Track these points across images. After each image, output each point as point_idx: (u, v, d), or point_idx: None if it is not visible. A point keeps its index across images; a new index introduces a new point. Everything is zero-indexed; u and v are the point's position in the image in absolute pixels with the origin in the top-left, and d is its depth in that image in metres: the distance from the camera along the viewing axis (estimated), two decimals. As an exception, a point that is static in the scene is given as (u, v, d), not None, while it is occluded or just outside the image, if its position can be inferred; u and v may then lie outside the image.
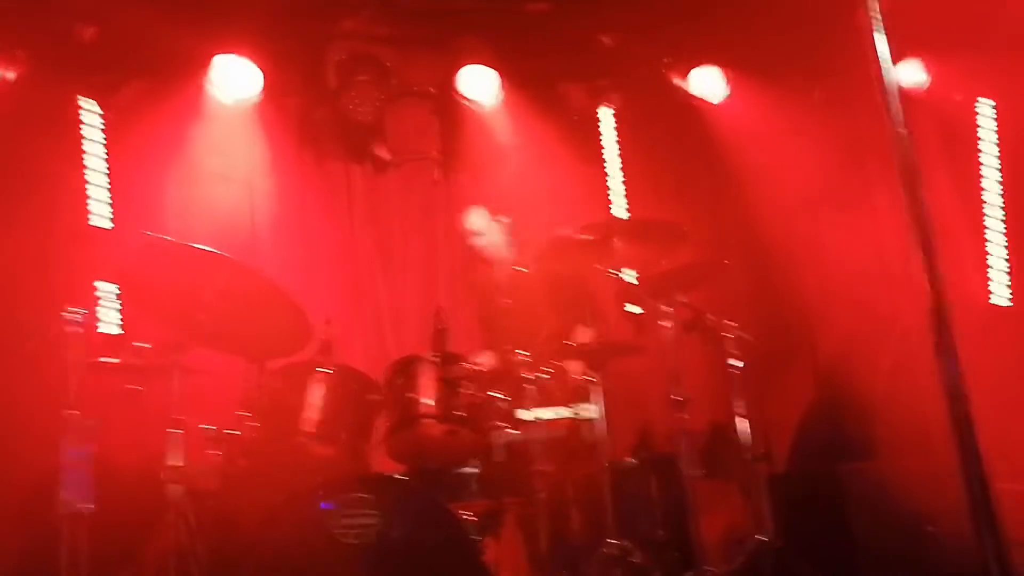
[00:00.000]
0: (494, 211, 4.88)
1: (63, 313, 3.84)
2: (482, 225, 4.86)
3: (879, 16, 2.17)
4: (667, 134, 5.86)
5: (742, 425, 4.27)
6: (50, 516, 3.79)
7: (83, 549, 3.75)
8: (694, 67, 5.76)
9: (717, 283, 4.54)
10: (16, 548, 4.40)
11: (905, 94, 2.15)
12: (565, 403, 4.05)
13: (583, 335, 4.54)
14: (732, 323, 4.34)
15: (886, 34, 2.16)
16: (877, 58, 2.16)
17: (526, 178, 5.59)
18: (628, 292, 4.44)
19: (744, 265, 5.54)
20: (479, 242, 4.86)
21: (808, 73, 5.53)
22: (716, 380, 4.43)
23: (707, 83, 5.79)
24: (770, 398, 5.01)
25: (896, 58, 2.15)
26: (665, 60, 5.77)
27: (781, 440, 5.08)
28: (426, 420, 3.76)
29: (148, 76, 5.24)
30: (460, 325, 4.48)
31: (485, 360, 4.40)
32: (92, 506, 3.77)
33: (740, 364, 4.31)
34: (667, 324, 4.15)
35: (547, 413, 3.98)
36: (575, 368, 4.16)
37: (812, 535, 4.33)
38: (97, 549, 3.81)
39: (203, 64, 5.22)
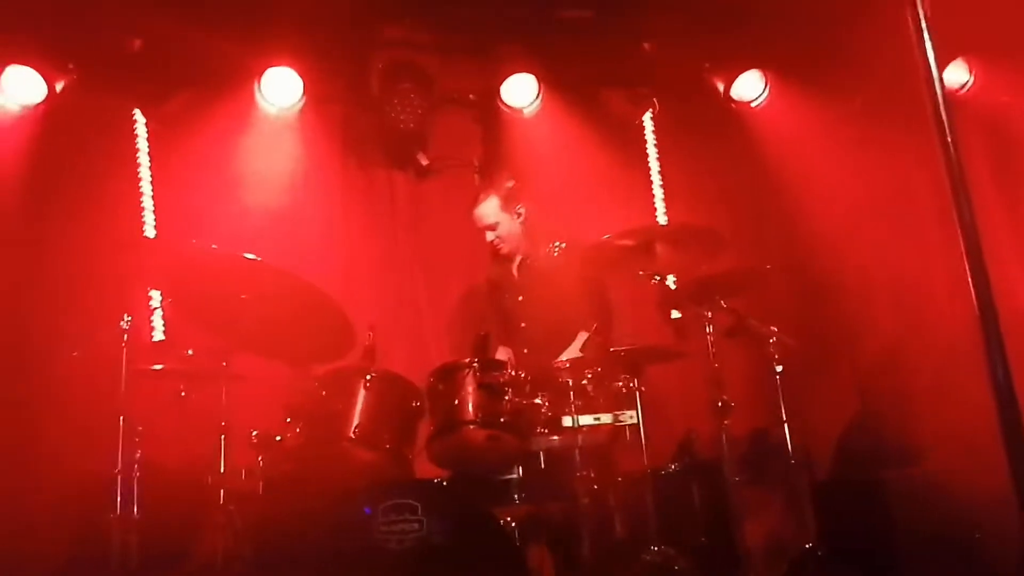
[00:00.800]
0: (509, 201, 4.67)
1: (116, 321, 3.93)
2: (494, 216, 4.67)
3: (925, 17, 2.14)
4: (708, 139, 5.82)
5: (785, 431, 4.25)
6: (100, 520, 3.89)
7: (132, 552, 3.83)
8: (735, 72, 5.73)
9: (759, 288, 4.50)
10: (67, 551, 4.50)
11: (951, 96, 2.11)
12: (606, 409, 4.05)
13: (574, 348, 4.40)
14: (774, 328, 4.32)
15: (931, 35, 2.12)
16: (924, 60, 2.12)
17: (566, 185, 5.60)
18: (669, 298, 4.45)
19: (786, 270, 5.50)
20: (492, 235, 4.68)
21: (850, 75, 5.47)
22: (758, 386, 4.40)
23: (748, 87, 5.76)
24: (812, 404, 4.95)
25: (942, 60, 2.11)
26: (706, 65, 5.74)
27: (824, 446, 5.02)
28: (468, 426, 3.78)
29: (195, 87, 5.33)
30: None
31: (503, 356, 4.41)
32: (140, 510, 3.86)
33: (782, 369, 4.29)
34: (709, 329, 4.14)
35: (588, 419, 3.99)
36: (616, 373, 4.15)
37: (856, 542, 4.28)
38: (145, 552, 3.89)
39: (249, 74, 5.30)
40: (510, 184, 4.69)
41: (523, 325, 4.57)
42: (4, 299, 4.89)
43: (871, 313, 5.28)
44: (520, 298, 4.68)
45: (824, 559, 4.04)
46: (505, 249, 4.69)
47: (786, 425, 4.27)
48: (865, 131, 5.43)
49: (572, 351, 4.30)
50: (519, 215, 4.66)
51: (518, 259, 4.74)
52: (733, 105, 5.80)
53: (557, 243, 4.59)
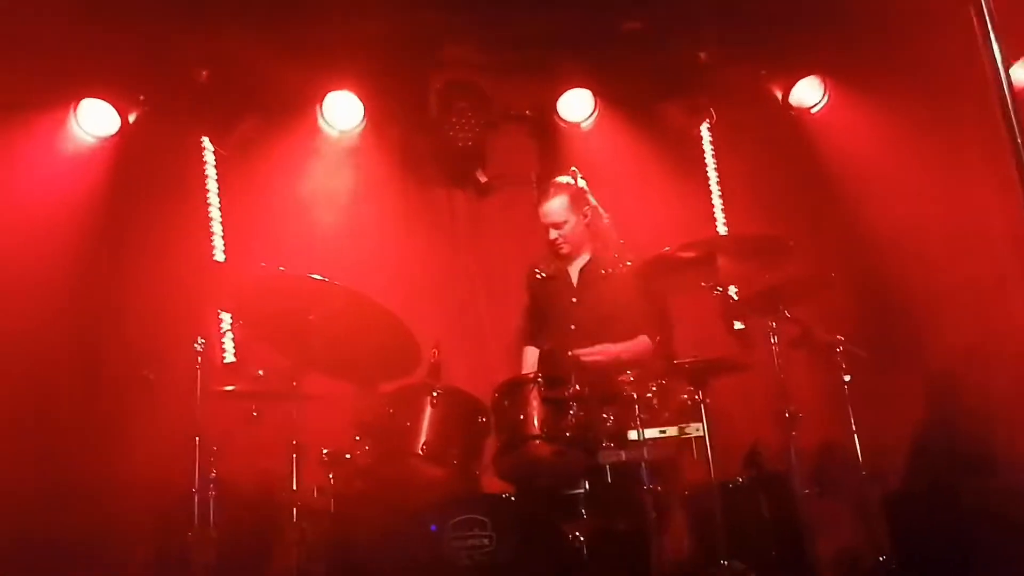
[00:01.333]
0: (577, 201, 4.57)
1: (190, 344, 4.06)
2: (562, 214, 4.56)
3: (990, 15, 2.09)
4: (767, 147, 5.78)
5: (855, 441, 4.18)
6: (179, 537, 4.00)
7: (210, 568, 3.94)
8: (793, 78, 5.69)
9: (824, 297, 4.45)
10: (148, 568, 4.64)
11: (1021, 95, 2.07)
12: (672, 422, 4.03)
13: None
14: (841, 337, 4.26)
15: (997, 34, 2.08)
16: (991, 59, 2.08)
17: (625, 197, 5.60)
18: (732, 309, 4.41)
19: (851, 278, 5.42)
20: (556, 234, 4.57)
21: (912, 77, 5.38)
22: (826, 396, 4.34)
23: (807, 94, 5.71)
24: (882, 413, 4.85)
25: (1008, 58, 2.08)
26: (763, 73, 5.71)
27: (895, 456, 4.92)
28: (534, 441, 3.80)
29: (259, 113, 5.47)
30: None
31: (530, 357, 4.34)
32: (216, 527, 3.96)
33: (850, 379, 4.23)
34: (774, 340, 4.10)
35: (654, 432, 3.98)
36: (681, 385, 4.14)
37: (930, 554, 4.19)
38: (222, 568, 3.99)
39: (311, 99, 5.44)
40: (581, 183, 4.62)
41: (573, 327, 4.52)
42: (84, 323, 5.08)
43: (941, 320, 5.16)
44: (574, 299, 4.62)
45: (897, 572, 3.96)
46: (566, 250, 4.61)
47: (855, 435, 4.21)
48: (929, 133, 5.33)
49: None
50: (586, 216, 4.59)
51: (581, 260, 4.66)
52: (792, 112, 5.74)
53: (625, 259, 4.56)
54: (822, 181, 5.67)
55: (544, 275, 4.71)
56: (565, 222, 4.56)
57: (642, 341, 4.43)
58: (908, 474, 4.99)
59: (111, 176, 5.27)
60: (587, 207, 4.60)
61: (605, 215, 4.66)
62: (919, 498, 4.64)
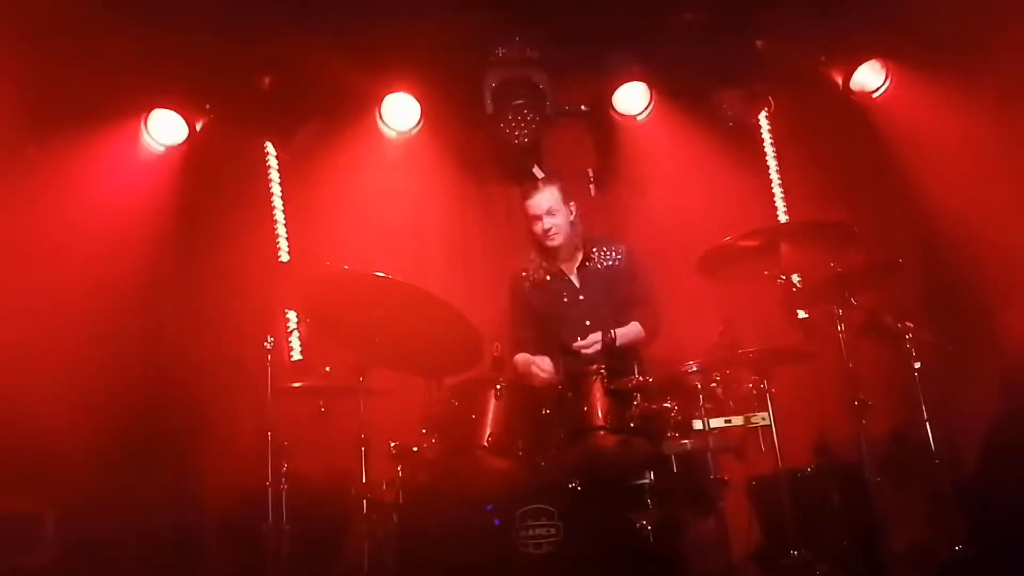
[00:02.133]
0: (565, 194, 4.65)
1: (260, 343, 4.17)
2: (554, 203, 4.62)
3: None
4: (828, 134, 5.69)
5: (927, 429, 4.10)
6: (253, 531, 4.12)
7: (284, 561, 4.04)
8: (853, 63, 5.59)
9: (891, 283, 4.37)
10: (223, 561, 4.79)
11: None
12: (737, 411, 4.01)
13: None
14: (910, 324, 4.18)
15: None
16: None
17: (684, 188, 5.58)
18: (796, 297, 4.37)
19: (919, 263, 5.31)
20: (548, 223, 4.61)
21: (976, 57, 5.26)
22: (896, 384, 4.26)
23: (868, 78, 5.60)
24: (955, 400, 4.75)
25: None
26: (822, 59, 5.62)
27: (969, 444, 4.80)
28: (598, 432, 3.81)
29: (320, 117, 5.58)
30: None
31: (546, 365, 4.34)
32: (289, 520, 4.06)
33: (920, 366, 4.15)
34: (840, 328, 4.05)
35: (719, 422, 3.96)
36: (746, 375, 4.11)
37: (1008, 543, 4.08)
38: (295, 560, 4.09)
39: (369, 102, 5.53)
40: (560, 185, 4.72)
41: (588, 323, 4.51)
42: (158, 325, 5.25)
43: (1013, 305, 5.03)
44: (581, 297, 4.64)
45: (974, 561, 3.87)
46: (557, 241, 4.64)
47: (927, 423, 4.13)
48: (996, 112, 5.20)
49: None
50: (571, 212, 4.69)
51: (575, 259, 4.71)
52: (853, 97, 5.64)
53: (616, 250, 4.69)
54: (886, 166, 5.56)
55: (544, 277, 4.72)
56: (557, 212, 4.63)
57: (634, 326, 4.52)
58: (983, 461, 4.87)
59: (180, 183, 5.44)
60: (572, 203, 4.70)
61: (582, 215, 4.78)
62: (995, 485, 4.53)
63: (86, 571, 4.84)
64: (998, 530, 4.13)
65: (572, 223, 4.69)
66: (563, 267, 4.73)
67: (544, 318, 4.70)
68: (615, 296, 4.62)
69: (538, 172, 5.74)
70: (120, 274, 5.27)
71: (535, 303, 4.73)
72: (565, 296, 4.67)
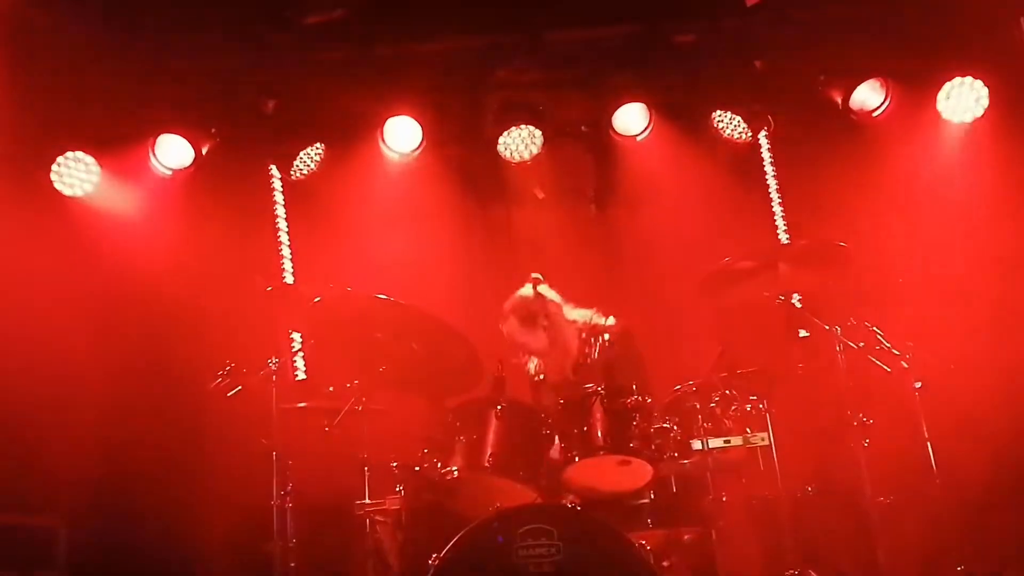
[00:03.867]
0: (528, 314, 4.46)
1: (264, 364, 4.22)
2: (519, 337, 4.51)
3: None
4: (828, 153, 5.71)
5: (927, 449, 4.11)
6: (259, 549, 4.15)
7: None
8: (852, 82, 5.62)
9: (892, 303, 4.39)
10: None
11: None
12: (736, 432, 4.03)
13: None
14: (910, 343, 4.20)
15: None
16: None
17: (683, 209, 5.61)
18: (796, 317, 4.40)
19: (920, 284, 5.32)
20: (530, 362, 4.56)
21: (975, 74, 5.29)
22: (896, 403, 4.27)
23: (867, 97, 5.63)
24: (958, 420, 4.74)
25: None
26: (821, 78, 5.67)
27: (973, 464, 4.78)
28: (598, 452, 3.83)
29: (324, 140, 5.65)
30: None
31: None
32: (295, 538, 4.10)
33: (921, 385, 4.17)
34: (840, 348, 4.07)
35: (718, 442, 3.98)
36: (745, 395, 4.13)
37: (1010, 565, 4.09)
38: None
39: (371, 124, 5.58)
40: (526, 293, 4.41)
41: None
42: (163, 345, 5.31)
43: (1014, 326, 5.04)
44: (601, 388, 3.97)
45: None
46: (550, 375, 4.52)
47: (928, 443, 4.14)
48: (998, 133, 5.24)
49: None
50: (545, 325, 4.47)
51: (569, 364, 4.52)
52: (853, 116, 5.67)
53: (604, 335, 4.46)
54: (887, 186, 5.58)
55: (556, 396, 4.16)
56: (526, 344, 4.49)
57: None
58: (986, 483, 4.87)
59: (186, 205, 5.49)
60: (541, 316, 4.46)
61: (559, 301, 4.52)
62: (1000, 506, 4.54)
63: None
64: (999, 550, 4.15)
65: (550, 329, 4.45)
66: (562, 375, 4.52)
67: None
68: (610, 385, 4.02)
69: (539, 192, 5.81)
70: (127, 295, 5.35)
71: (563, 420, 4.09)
72: (577, 402, 4.02)
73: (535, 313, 4.48)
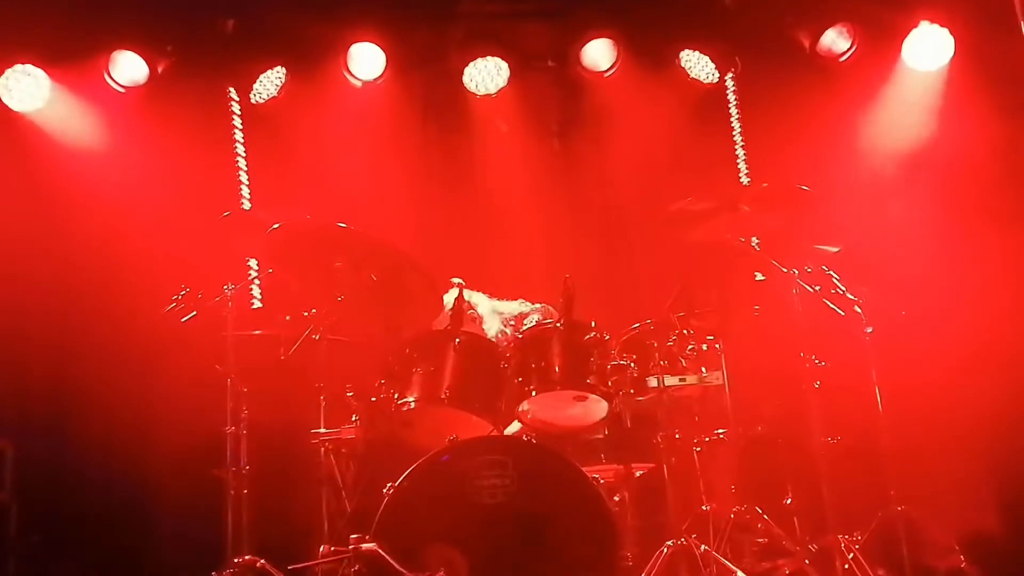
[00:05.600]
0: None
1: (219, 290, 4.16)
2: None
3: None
4: (792, 97, 5.70)
5: (876, 392, 4.20)
6: (212, 475, 4.14)
7: (244, 503, 4.08)
8: (820, 27, 5.59)
9: (848, 250, 4.44)
10: (183, 502, 4.83)
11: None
12: (692, 370, 4.09)
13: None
14: (864, 288, 4.26)
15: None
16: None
17: (647, 148, 5.59)
18: (754, 259, 4.43)
19: (878, 232, 5.38)
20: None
21: (941, 22, 5.30)
22: (849, 347, 4.35)
23: (834, 42, 5.61)
24: (909, 364, 4.83)
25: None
26: (789, 20, 5.62)
27: (924, 411, 4.87)
28: (555, 387, 3.86)
29: (285, 64, 5.50)
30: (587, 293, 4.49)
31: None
32: (249, 465, 4.10)
33: (871, 331, 4.24)
34: (796, 291, 4.12)
35: (674, 380, 4.03)
36: (701, 335, 4.18)
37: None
38: (255, 503, 4.13)
39: (334, 50, 5.44)
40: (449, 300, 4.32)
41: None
42: (116, 270, 5.20)
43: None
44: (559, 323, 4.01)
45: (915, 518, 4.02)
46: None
47: (876, 387, 4.23)
48: (965, 75, 5.26)
49: None
50: (473, 316, 4.61)
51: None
52: (820, 61, 5.65)
53: (531, 313, 4.57)
54: (850, 131, 5.60)
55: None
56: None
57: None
58: (929, 426, 5.00)
59: (141, 126, 5.34)
60: (469, 307, 4.59)
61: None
62: (939, 451, 4.68)
63: (44, 508, 4.87)
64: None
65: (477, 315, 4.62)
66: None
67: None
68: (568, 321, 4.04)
69: (502, 125, 5.74)
70: (78, 216, 5.22)
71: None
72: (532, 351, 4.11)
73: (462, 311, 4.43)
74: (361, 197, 5.32)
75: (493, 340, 4.53)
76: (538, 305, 4.67)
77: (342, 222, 3.98)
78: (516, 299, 4.78)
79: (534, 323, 4.37)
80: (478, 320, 4.65)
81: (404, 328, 4.24)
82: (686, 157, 5.55)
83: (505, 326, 4.65)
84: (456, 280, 4.48)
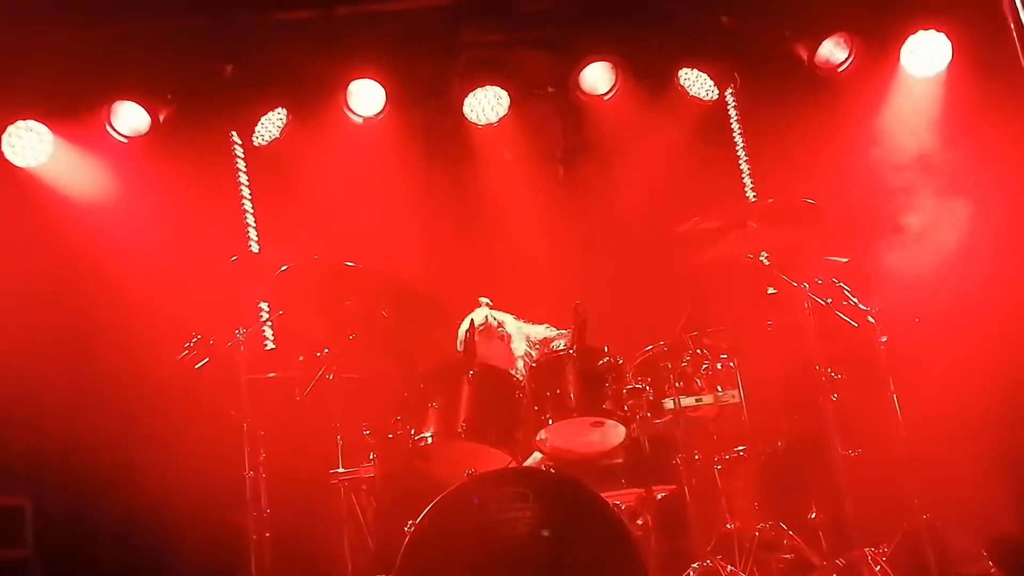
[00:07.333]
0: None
1: (231, 335, 4.17)
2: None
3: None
4: (793, 110, 5.70)
5: (894, 401, 4.17)
6: (233, 521, 4.14)
7: (266, 545, 4.07)
8: (817, 38, 5.60)
9: (859, 261, 4.43)
10: (204, 550, 4.81)
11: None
12: (708, 390, 4.07)
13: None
14: (877, 299, 4.24)
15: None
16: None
17: (651, 168, 5.59)
18: (764, 275, 4.43)
19: (889, 243, 5.36)
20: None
21: (938, 27, 5.30)
22: (864, 358, 4.32)
23: (832, 53, 5.62)
24: (927, 377, 4.80)
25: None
26: (786, 34, 5.64)
27: (943, 424, 4.82)
28: (571, 414, 3.84)
29: (285, 105, 5.53)
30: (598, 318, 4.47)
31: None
32: (269, 507, 4.09)
33: (886, 340, 4.21)
34: (807, 304, 4.11)
35: (690, 400, 4.01)
36: (715, 353, 4.16)
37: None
38: (277, 545, 4.13)
39: (334, 88, 5.48)
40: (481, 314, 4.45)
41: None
42: (127, 319, 5.21)
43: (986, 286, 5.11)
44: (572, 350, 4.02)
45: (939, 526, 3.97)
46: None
47: (895, 396, 4.19)
48: (964, 80, 5.26)
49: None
50: (500, 336, 4.54)
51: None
52: (819, 72, 5.65)
53: (557, 338, 4.50)
54: (853, 141, 5.59)
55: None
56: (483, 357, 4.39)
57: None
58: (949, 434, 4.95)
59: (146, 175, 5.37)
60: (498, 328, 4.53)
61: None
62: (961, 458, 4.63)
63: (66, 563, 4.86)
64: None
65: (506, 337, 4.55)
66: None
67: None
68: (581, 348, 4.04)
69: (506, 154, 5.76)
70: (86, 268, 5.24)
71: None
72: (547, 376, 4.11)
73: (491, 329, 4.53)
74: (368, 234, 5.33)
75: (518, 360, 4.51)
76: (564, 331, 4.55)
77: (350, 260, 4.00)
78: (542, 323, 4.71)
79: (560, 348, 4.31)
80: (506, 339, 4.57)
81: (418, 362, 4.24)
82: (691, 176, 5.54)
83: (531, 348, 4.61)
84: (484, 300, 4.45)
